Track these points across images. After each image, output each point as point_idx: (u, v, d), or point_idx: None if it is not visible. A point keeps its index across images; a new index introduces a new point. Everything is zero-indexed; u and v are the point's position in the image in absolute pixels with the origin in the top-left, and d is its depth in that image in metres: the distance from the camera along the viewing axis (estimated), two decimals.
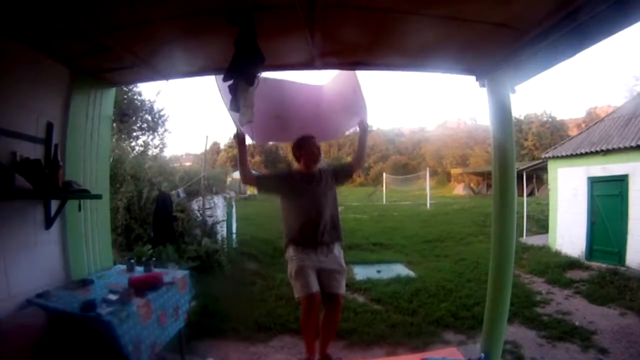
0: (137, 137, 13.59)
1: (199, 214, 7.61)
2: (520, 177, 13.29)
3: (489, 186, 33.53)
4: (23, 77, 2.78)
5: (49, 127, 3.00)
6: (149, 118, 13.47)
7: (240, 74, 2.19)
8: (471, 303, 5.59)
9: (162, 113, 14.04)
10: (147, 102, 13.03)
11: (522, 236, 11.21)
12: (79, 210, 3.08)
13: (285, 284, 6.31)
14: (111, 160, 7.65)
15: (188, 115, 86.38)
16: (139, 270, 3.38)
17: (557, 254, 9.16)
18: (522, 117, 38.55)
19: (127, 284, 2.83)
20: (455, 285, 6.56)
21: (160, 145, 14.39)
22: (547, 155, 10.64)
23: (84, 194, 2.93)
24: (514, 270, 7.77)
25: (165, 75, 3.38)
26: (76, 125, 3.27)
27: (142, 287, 2.77)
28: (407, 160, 48.68)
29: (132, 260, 3.42)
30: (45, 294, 2.69)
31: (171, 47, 2.92)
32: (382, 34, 2.66)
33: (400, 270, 7.70)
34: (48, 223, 2.93)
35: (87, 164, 3.36)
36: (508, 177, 2.84)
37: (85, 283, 2.96)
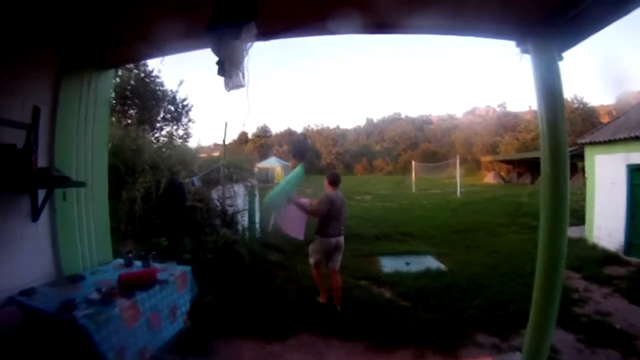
0: (161, 128, 13.54)
1: (218, 204, 7.37)
2: None
3: (519, 174, 32.81)
4: (6, 58, 2.53)
5: (35, 111, 2.75)
6: (172, 108, 13.35)
7: (224, 24, 1.80)
8: (505, 300, 5.10)
9: (185, 103, 13.91)
10: (169, 92, 12.92)
11: None
12: (64, 199, 2.82)
13: (306, 276, 6.02)
14: (133, 149, 7.55)
15: (216, 106, 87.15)
16: (138, 265, 3.12)
17: (594, 247, 8.42)
18: None
19: (116, 281, 2.56)
20: (487, 280, 6.04)
21: (185, 136, 14.29)
22: (583, 141, 9.77)
23: (63, 181, 2.64)
24: None
25: (163, 51, 3.07)
26: (68, 109, 3.01)
27: (131, 286, 2.48)
28: (436, 148, 47.47)
29: (130, 255, 3.16)
30: (30, 291, 2.47)
31: (167, 18, 2.60)
32: None
33: (430, 262, 7.22)
34: (35, 215, 2.69)
35: (80, 151, 3.10)
36: (560, 159, 2.34)
37: (75, 279, 2.72)
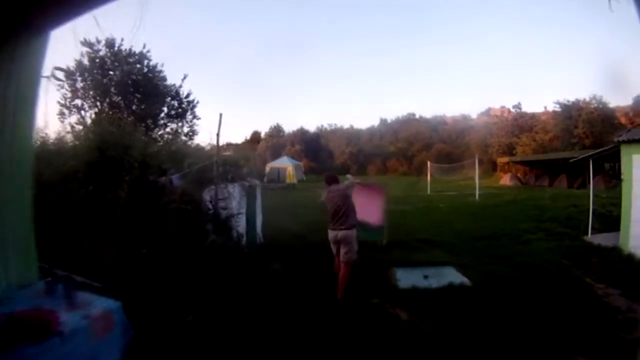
0: (165, 125, 12.86)
1: (210, 206, 6.56)
2: (580, 167, 11.35)
3: (537, 176, 32.22)
4: None
5: None
6: (175, 104, 12.63)
7: None
8: (542, 332, 4.19)
9: (190, 99, 13.19)
10: (172, 87, 12.20)
11: (586, 234, 9.51)
12: None
13: (312, 290, 5.50)
14: (124, 145, 6.78)
15: (230, 106, 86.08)
16: (61, 292, 2.28)
17: (630, 258, 7.33)
18: (570, 103, 35.22)
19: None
20: (520, 300, 5.09)
21: (190, 133, 13.57)
22: (620, 139, 8.70)
23: None
24: (584, 278, 6.18)
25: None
26: None
27: (14, 335, 1.65)
28: (451, 149, 46.48)
29: (50, 279, 2.32)
30: None
31: None
32: None
33: (452, 276, 6.26)
34: None
35: None
36: None
37: None
